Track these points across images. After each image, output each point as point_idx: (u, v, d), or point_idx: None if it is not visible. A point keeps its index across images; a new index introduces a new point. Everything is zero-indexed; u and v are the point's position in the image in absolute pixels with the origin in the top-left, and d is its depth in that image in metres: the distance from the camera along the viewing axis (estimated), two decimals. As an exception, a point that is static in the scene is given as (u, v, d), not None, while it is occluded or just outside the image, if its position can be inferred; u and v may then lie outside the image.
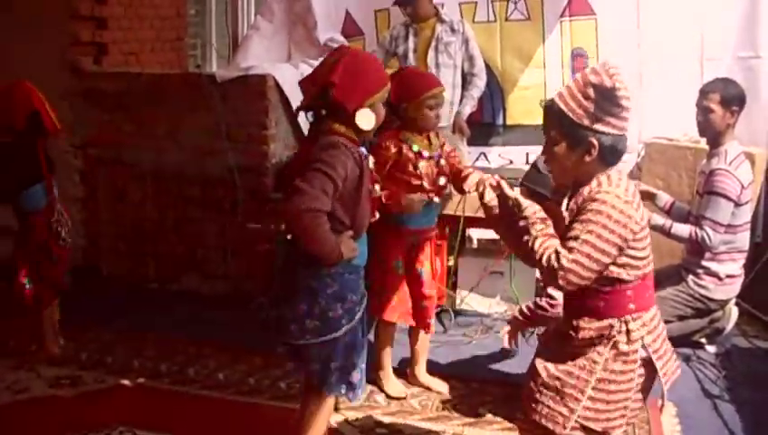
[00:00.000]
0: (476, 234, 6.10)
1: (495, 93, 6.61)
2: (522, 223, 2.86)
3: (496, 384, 4.69)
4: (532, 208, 2.87)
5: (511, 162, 6.47)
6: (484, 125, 6.65)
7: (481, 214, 5.27)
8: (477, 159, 6.56)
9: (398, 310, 4.45)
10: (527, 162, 6.48)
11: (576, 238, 2.74)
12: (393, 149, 4.26)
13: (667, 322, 5.07)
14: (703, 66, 6.24)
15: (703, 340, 5.19)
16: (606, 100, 2.76)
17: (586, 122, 2.78)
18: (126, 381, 4.75)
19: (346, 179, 3.11)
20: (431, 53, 6.16)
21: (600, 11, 6.44)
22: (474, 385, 4.72)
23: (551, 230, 2.86)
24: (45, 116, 4.65)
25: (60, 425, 4.23)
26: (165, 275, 6.45)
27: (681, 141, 5.96)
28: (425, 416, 4.38)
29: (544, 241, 2.80)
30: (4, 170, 4.65)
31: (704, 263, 5.02)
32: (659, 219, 4.98)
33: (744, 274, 5.15)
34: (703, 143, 5.37)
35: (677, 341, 4.99)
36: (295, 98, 6.15)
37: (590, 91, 2.77)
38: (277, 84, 6.06)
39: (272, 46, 7.16)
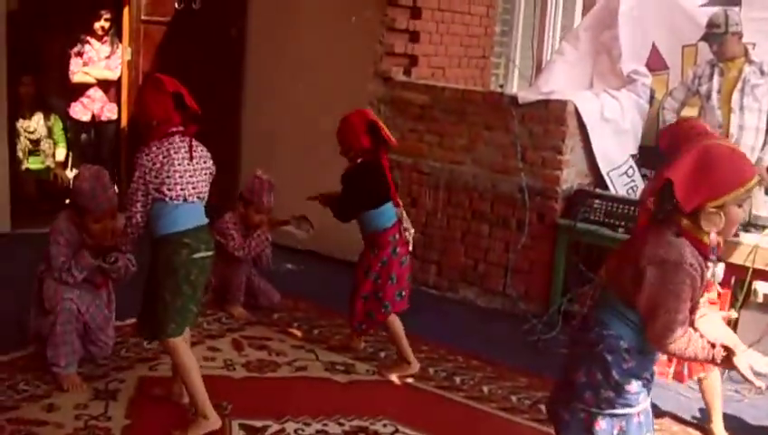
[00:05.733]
0: (764, 288, 5.83)
1: (801, 142, 6.27)
2: None
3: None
4: None
5: (811, 218, 6.12)
6: (787, 174, 6.32)
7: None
8: (775, 208, 6.26)
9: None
10: (831, 220, 6.12)
11: None
12: None
13: None
14: None
15: None
16: None
17: None
18: (394, 377, 4.98)
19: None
20: (736, 95, 5.97)
21: None
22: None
23: None
24: (382, 129, 4.88)
25: (331, 406, 4.51)
26: (445, 283, 6.66)
27: None
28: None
29: None
30: (358, 195, 4.90)
31: None
32: None
33: None
34: None
35: None
36: (593, 127, 6.18)
37: None
38: (577, 111, 6.11)
39: (574, 73, 7.21)
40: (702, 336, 2.92)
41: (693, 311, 2.94)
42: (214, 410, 4.11)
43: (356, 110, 5.01)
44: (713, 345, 2.91)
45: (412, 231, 5.10)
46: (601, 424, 3.07)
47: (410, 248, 5.08)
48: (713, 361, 2.94)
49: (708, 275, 2.99)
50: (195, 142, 4.05)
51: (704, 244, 2.89)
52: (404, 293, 4.99)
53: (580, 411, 3.11)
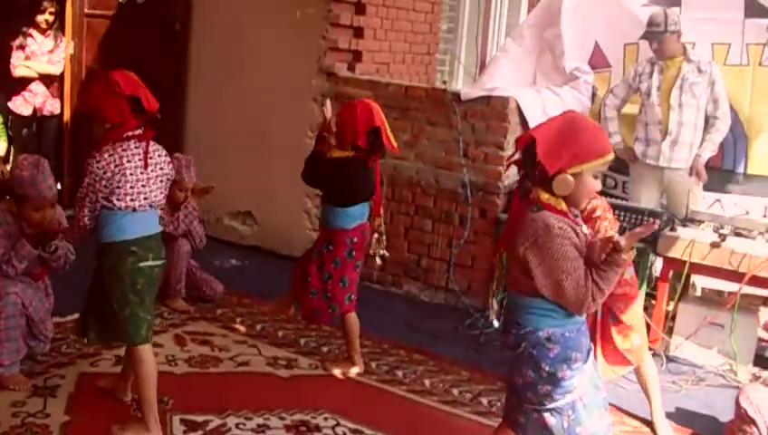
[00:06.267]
0: (701, 282, 5.95)
1: (740, 140, 6.40)
2: None
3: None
4: None
5: (747, 213, 6.25)
6: (724, 171, 6.45)
7: (709, 262, 5.23)
8: (712, 205, 6.38)
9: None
10: (765, 215, 6.26)
11: None
12: None
13: None
14: None
15: None
16: None
17: None
18: (337, 372, 4.99)
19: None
20: (675, 92, 6.06)
21: None
22: None
23: None
24: (384, 135, 4.74)
25: (273, 400, 4.53)
26: (389, 278, 6.69)
27: None
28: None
29: None
30: (340, 184, 4.77)
31: None
32: None
33: None
34: None
35: None
36: (535, 123, 6.23)
37: None
38: (519, 108, 6.18)
39: (518, 70, 7.28)
40: (599, 266, 3.03)
41: (587, 264, 3.05)
42: (158, 425, 4.04)
43: (367, 103, 4.82)
44: (606, 262, 3.03)
45: (383, 251, 5.06)
46: (550, 420, 3.14)
47: (378, 262, 5.09)
48: (621, 267, 3.04)
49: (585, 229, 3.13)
50: (152, 147, 3.91)
51: (563, 212, 3.03)
52: (353, 296, 4.94)
53: (532, 412, 3.18)
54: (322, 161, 4.78)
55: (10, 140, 7.88)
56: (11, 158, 7.86)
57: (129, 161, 3.80)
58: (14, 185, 4.38)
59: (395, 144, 4.85)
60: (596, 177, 3.08)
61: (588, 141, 3.00)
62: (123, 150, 3.80)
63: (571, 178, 2.98)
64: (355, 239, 4.84)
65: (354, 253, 4.86)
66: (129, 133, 3.83)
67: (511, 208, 3.29)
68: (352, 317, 4.95)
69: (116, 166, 3.76)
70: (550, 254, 2.98)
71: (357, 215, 4.83)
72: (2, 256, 4.37)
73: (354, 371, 4.98)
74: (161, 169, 3.96)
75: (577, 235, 3.02)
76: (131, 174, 3.80)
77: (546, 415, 3.15)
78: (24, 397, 4.30)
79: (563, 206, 3.04)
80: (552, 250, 2.97)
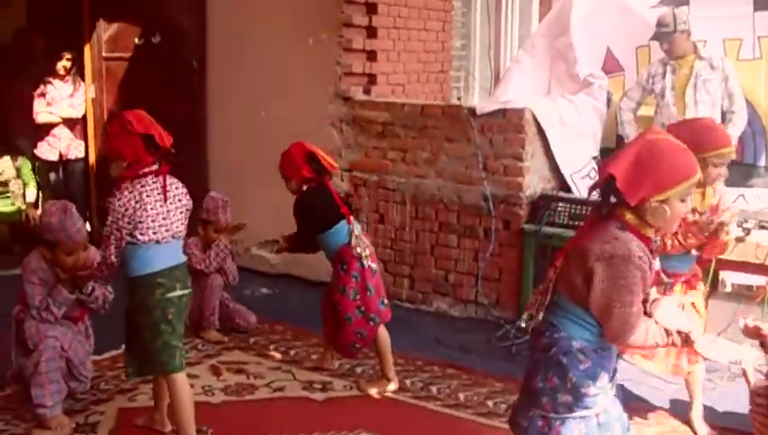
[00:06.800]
0: (730, 277, 5.93)
1: (759, 133, 6.39)
2: None
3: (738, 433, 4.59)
4: None
5: (771, 205, 6.25)
6: (745, 165, 6.43)
7: (735, 257, 5.21)
8: (735, 200, 6.34)
9: None
10: (790, 206, 6.25)
11: None
12: None
13: None
14: None
15: None
16: None
17: None
18: (373, 391, 5.02)
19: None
20: (689, 91, 6.08)
21: None
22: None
23: None
24: (322, 158, 4.93)
25: (310, 423, 4.57)
26: (418, 296, 6.74)
27: None
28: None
29: None
30: (310, 218, 4.95)
31: None
32: None
33: None
34: None
35: None
36: (552, 132, 6.29)
37: None
38: (535, 118, 6.21)
39: (532, 80, 7.32)
40: (657, 322, 2.97)
41: (644, 303, 2.98)
42: None
43: (295, 142, 5.05)
44: (668, 334, 2.98)
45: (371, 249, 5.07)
46: (560, 429, 3.06)
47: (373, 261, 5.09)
48: (673, 344, 3.02)
49: (656, 265, 3.07)
50: (169, 180, 4.06)
51: (647, 238, 2.93)
52: (386, 300, 5.03)
53: (539, 418, 3.11)
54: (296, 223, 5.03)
55: (39, 186, 8.02)
56: (40, 203, 7.98)
57: (148, 196, 3.94)
58: (44, 232, 4.47)
59: (335, 164, 5.08)
60: (683, 200, 2.94)
61: (670, 167, 2.87)
62: (142, 186, 3.95)
63: (666, 208, 2.87)
64: (356, 249, 4.94)
65: (363, 260, 4.95)
66: (146, 169, 3.98)
67: (586, 223, 3.20)
68: (383, 333, 5.00)
69: (136, 202, 3.91)
70: (617, 278, 2.88)
71: (344, 230, 4.95)
72: (40, 302, 4.45)
73: (391, 388, 5.02)
74: (180, 200, 4.11)
75: (650, 269, 2.93)
76: (152, 208, 3.94)
77: (557, 423, 3.07)
78: (66, 435, 4.39)
79: (650, 232, 2.96)
80: (623, 277, 2.87)
